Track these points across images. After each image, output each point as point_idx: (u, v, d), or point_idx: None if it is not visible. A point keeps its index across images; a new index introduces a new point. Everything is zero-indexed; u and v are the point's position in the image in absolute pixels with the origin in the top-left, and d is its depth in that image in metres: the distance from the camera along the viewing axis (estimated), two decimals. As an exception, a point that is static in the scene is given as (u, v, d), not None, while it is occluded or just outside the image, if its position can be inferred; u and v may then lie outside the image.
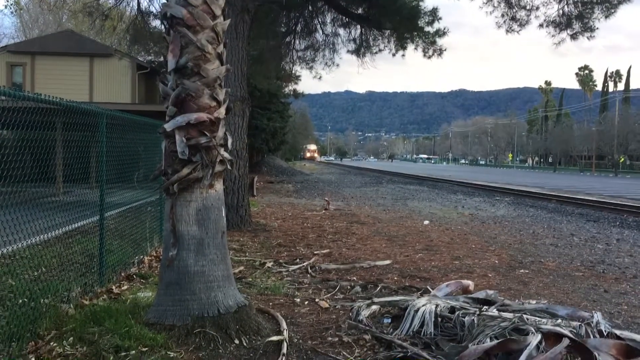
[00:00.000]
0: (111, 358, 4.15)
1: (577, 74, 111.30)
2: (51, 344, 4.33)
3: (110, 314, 4.86)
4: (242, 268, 7.84)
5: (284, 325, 5.10)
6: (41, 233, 4.92)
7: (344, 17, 17.83)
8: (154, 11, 16.93)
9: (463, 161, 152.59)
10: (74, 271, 5.87)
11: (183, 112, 4.83)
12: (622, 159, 75.29)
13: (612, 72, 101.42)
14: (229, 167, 5.14)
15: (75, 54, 27.03)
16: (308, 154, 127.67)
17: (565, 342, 4.10)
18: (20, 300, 4.69)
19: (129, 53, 25.14)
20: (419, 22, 16.41)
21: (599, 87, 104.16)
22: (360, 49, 18.73)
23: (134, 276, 6.93)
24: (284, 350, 4.52)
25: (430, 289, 6.46)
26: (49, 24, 46.82)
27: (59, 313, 4.89)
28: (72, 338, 4.41)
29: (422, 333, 4.80)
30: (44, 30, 45.22)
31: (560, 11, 14.22)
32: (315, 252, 9.26)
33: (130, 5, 16.96)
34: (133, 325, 4.61)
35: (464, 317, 4.73)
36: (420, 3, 16.35)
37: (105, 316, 4.81)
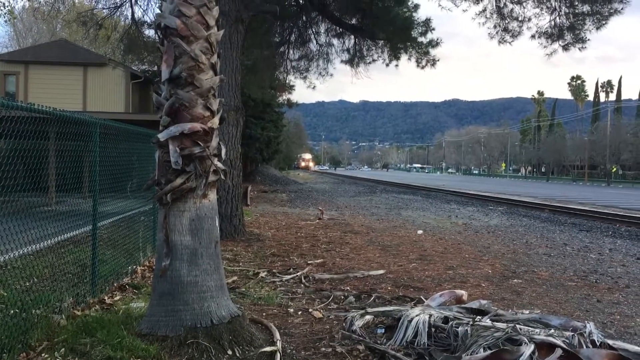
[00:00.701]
0: (103, 369, 4.12)
1: (569, 84, 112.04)
2: (43, 355, 4.29)
3: (103, 325, 4.82)
4: (235, 278, 7.81)
5: (277, 335, 5.08)
6: (33, 243, 4.89)
7: (337, 28, 17.93)
8: (148, 21, 16.99)
9: (450, 170, 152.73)
10: (66, 281, 5.83)
11: (177, 122, 4.83)
12: (615, 169, 75.73)
13: (604, 82, 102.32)
14: (222, 176, 5.14)
15: (69, 63, 27.02)
16: (303, 164, 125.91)
17: (558, 352, 4.11)
18: (12, 311, 4.66)
19: (122, 62, 25.17)
20: (412, 33, 16.54)
21: (591, 98, 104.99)
22: (354, 59, 18.83)
23: (127, 286, 6.90)
24: (277, 361, 4.51)
25: (424, 299, 6.46)
26: (42, 33, 46.81)
27: (50, 324, 4.85)
28: (63, 349, 4.38)
29: (415, 343, 4.79)
30: (38, 39, 45.21)
31: (552, 22, 14.36)
32: (309, 262, 9.24)
33: (125, 14, 17.02)
34: (125, 336, 4.58)
35: (458, 327, 4.73)
36: (414, 14, 16.51)
37: (97, 327, 4.78)
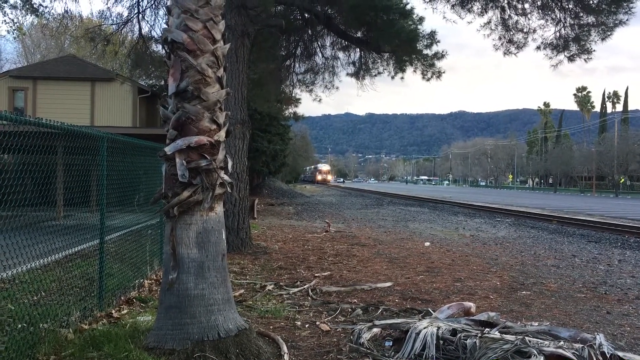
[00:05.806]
0: (110, 383, 4.11)
1: (575, 95, 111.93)
2: (50, 369, 4.29)
3: (110, 339, 4.82)
4: (242, 291, 7.80)
5: (284, 348, 5.06)
6: (41, 257, 4.91)
7: (343, 41, 18.01)
8: (156, 36, 17.11)
9: (446, 183, 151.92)
10: (73, 295, 5.84)
11: (183, 135, 4.86)
12: (622, 180, 75.30)
13: (610, 92, 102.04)
14: (229, 189, 5.15)
15: (77, 79, 27.26)
16: (319, 177, 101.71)
17: (568, 364, 4.07)
18: (20, 325, 4.66)
19: (130, 77, 25.34)
20: (417, 45, 16.56)
21: (598, 109, 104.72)
22: (360, 72, 18.89)
23: (134, 300, 6.90)
24: (285, 374, 4.48)
25: (432, 311, 6.41)
26: (51, 49, 47.34)
27: (58, 338, 4.86)
28: (71, 363, 4.38)
29: (423, 356, 4.76)
30: (46, 55, 45.71)
31: (557, 34, 14.36)
32: (316, 275, 9.22)
33: (132, 30, 17.16)
34: (132, 349, 4.57)
35: (466, 340, 4.69)
36: (419, 26, 16.53)
37: (104, 341, 4.77)
